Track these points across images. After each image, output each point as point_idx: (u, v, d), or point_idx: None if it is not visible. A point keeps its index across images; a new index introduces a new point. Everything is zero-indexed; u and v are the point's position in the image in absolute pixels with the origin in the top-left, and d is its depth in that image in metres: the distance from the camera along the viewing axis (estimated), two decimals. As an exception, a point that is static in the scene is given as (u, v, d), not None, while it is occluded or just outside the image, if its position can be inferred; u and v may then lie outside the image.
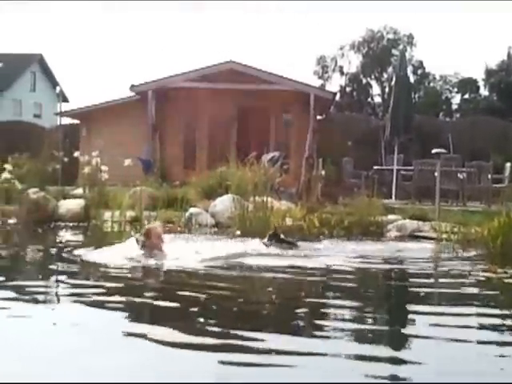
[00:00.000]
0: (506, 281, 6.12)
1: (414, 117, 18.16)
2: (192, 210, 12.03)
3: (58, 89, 24.63)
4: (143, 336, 3.60)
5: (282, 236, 7.80)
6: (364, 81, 37.39)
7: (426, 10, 65.36)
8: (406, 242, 9.66)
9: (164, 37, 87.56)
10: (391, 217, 11.10)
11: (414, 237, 10.19)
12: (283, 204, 12.34)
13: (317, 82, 35.02)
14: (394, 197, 15.36)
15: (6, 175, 13.94)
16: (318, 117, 20.82)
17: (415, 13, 66.73)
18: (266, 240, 7.71)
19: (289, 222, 11.11)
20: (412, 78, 37.69)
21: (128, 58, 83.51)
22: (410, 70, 37.43)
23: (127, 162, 15.17)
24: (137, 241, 6.82)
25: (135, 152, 17.51)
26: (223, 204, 12.04)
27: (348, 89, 37.00)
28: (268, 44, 78.13)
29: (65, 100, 24.63)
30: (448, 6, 56.69)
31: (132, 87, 19.77)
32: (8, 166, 14.36)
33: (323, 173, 13.59)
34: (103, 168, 14.12)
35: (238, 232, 10.55)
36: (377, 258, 7.52)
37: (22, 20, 79.64)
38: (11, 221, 11.82)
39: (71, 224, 11.49)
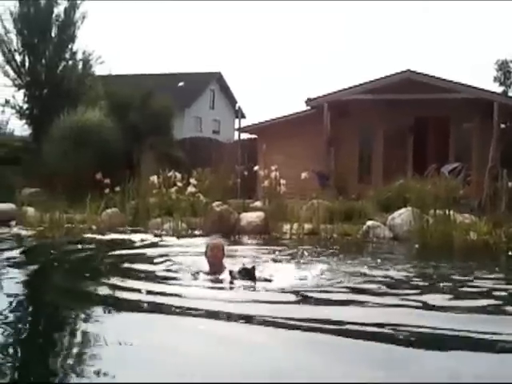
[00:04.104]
0: None
1: None
2: (369, 223, 11.92)
3: (237, 106, 25.66)
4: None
5: (256, 273, 6.09)
6: (552, 85, 34.87)
7: None
8: None
9: (335, 47, 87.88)
10: None
11: None
12: (466, 217, 11.78)
13: (497, 89, 33.03)
14: None
15: (191, 189, 14.72)
16: (502, 125, 19.66)
17: None
18: (235, 272, 6.08)
19: (473, 236, 10.60)
20: None
21: (302, 72, 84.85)
22: None
23: (304, 175, 15.35)
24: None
25: (311, 165, 17.67)
26: (401, 217, 11.79)
27: (533, 95, 34.67)
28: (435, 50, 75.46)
29: (242, 116, 25.50)
30: None
31: (308, 101, 20.01)
32: (193, 181, 15.15)
33: (510, 184, 12.76)
34: (282, 181, 14.40)
35: (417, 246, 10.31)
36: None
37: (202, 38, 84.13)
38: (196, 232, 12.43)
39: (253, 236, 11.83)
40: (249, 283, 5.92)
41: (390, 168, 18.22)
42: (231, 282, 6.00)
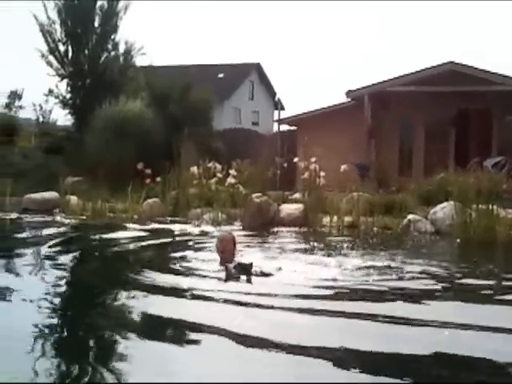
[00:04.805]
0: None
1: None
2: (410, 216, 11.79)
3: (276, 97, 25.61)
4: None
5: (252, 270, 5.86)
6: None
7: None
8: None
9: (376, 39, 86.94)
10: None
11: None
12: (509, 212, 11.57)
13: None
14: None
15: (230, 180, 14.77)
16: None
17: None
18: (231, 267, 5.90)
19: (517, 231, 10.43)
20: None
21: (342, 63, 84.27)
22: None
23: (343, 167, 15.25)
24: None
25: (351, 158, 17.57)
26: (443, 211, 11.64)
27: None
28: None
29: (282, 107, 25.48)
30: None
31: (348, 93, 19.89)
32: (232, 172, 15.19)
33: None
34: (321, 174, 14.35)
35: (459, 240, 10.18)
36: None
37: (239, 27, 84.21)
38: (236, 223, 12.47)
39: (292, 228, 11.81)
40: (244, 279, 5.71)
41: (431, 161, 18.01)
42: (227, 278, 5.80)
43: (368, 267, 6.64)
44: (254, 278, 5.82)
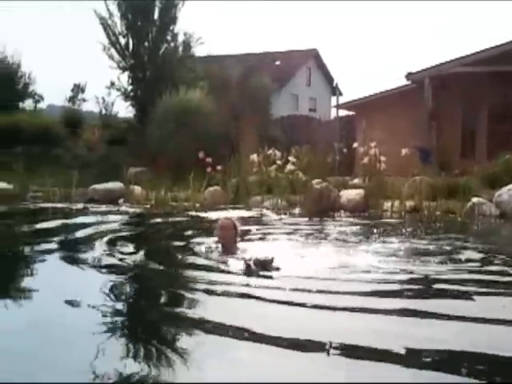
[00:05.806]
0: None
1: None
2: (475, 199, 11.58)
3: (334, 83, 25.48)
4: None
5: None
6: None
7: None
8: None
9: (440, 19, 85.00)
10: None
11: None
12: None
13: None
14: None
15: (290, 167, 14.83)
16: None
17: None
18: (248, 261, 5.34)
19: None
20: None
21: (400, 46, 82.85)
22: None
23: (404, 151, 15.07)
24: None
25: (411, 141, 17.31)
26: (509, 193, 11.40)
27: None
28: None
29: (340, 93, 25.29)
30: None
31: (408, 75, 19.56)
32: (291, 158, 15.24)
33: None
34: (382, 158, 14.23)
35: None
36: None
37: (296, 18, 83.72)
38: (296, 210, 12.52)
39: (353, 213, 11.76)
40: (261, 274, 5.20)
41: (494, 143, 17.57)
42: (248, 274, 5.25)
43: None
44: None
